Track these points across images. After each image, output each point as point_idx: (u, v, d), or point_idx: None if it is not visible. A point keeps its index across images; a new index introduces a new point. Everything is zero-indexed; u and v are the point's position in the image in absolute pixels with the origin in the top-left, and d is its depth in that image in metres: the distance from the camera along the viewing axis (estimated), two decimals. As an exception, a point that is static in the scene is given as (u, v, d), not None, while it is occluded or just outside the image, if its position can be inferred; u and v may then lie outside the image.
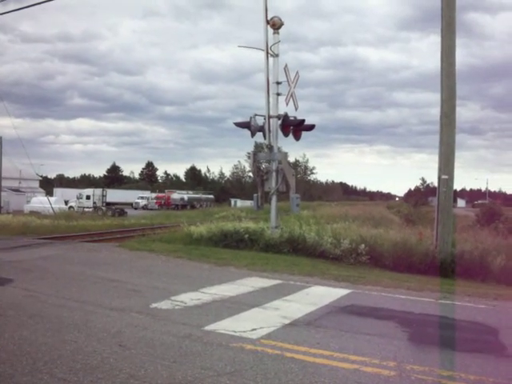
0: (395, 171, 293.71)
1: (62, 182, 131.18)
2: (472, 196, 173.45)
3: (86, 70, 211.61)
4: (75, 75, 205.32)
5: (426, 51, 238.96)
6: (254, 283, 11.57)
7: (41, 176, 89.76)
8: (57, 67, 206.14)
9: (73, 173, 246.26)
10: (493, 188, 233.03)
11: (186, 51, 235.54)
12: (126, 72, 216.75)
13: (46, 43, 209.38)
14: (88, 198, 67.25)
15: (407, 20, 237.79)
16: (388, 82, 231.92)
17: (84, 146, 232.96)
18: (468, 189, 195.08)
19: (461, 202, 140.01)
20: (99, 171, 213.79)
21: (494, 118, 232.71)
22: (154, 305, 8.92)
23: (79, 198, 67.45)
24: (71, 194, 74.60)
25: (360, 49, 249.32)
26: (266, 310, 8.87)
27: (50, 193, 76.77)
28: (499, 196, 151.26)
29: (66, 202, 62.50)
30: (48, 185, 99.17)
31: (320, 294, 10.51)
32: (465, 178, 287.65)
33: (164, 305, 8.96)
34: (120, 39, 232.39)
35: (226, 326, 7.61)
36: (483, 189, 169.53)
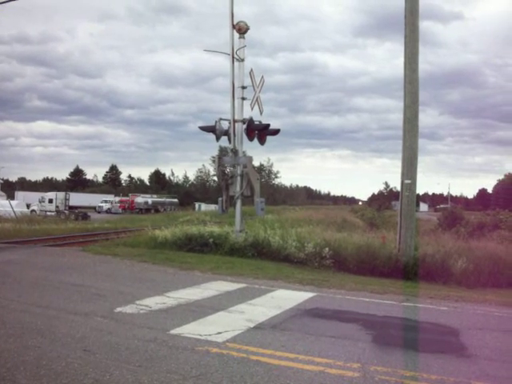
0: (358, 176, 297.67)
1: (24, 185, 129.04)
2: (434, 200, 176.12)
3: (45, 73, 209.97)
4: (34, 77, 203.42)
5: (382, 58, 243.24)
6: (218, 287, 11.57)
7: (2, 179, 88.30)
8: (15, 69, 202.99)
9: (35, 176, 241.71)
10: (454, 192, 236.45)
11: (145, 55, 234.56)
12: (85, 75, 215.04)
13: (2, 44, 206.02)
14: (50, 201, 66.34)
15: (362, 27, 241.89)
16: (347, 87, 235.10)
17: (45, 148, 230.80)
18: (430, 193, 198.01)
19: (423, 206, 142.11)
20: (62, 174, 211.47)
21: (452, 124, 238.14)
22: (118, 309, 8.85)
23: (41, 201, 66.42)
24: (33, 197, 73.46)
25: (318, 55, 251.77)
26: (232, 314, 8.89)
27: (11, 196, 75.34)
28: (461, 200, 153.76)
29: (28, 206, 61.42)
30: (9, 188, 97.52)
31: (285, 298, 10.57)
32: (426, 183, 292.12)
33: (129, 309, 8.90)
34: (78, 42, 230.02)
35: (191, 329, 7.60)
36: (445, 193, 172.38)
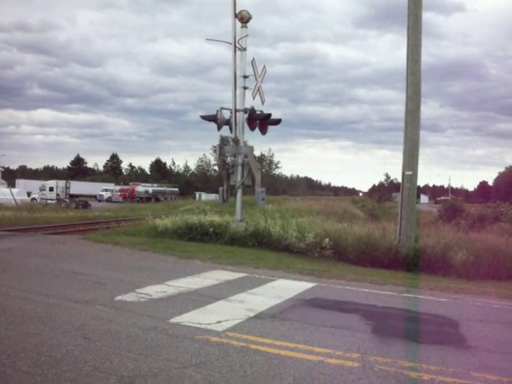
0: (359, 167, 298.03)
1: (25, 173, 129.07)
2: (435, 192, 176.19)
3: (45, 61, 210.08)
4: (34, 65, 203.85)
5: (383, 49, 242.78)
6: (219, 276, 11.58)
7: (2, 167, 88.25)
8: (15, 57, 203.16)
9: (36, 164, 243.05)
10: (455, 184, 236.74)
11: (145, 44, 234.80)
12: (85, 63, 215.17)
13: (2, 32, 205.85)
14: (51, 189, 66.27)
15: (363, 18, 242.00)
16: (348, 78, 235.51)
17: (46, 136, 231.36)
18: (431, 185, 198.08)
19: (424, 198, 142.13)
20: (63, 163, 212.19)
21: (452, 116, 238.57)
22: (118, 297, 8.86)
23: (42, 189, 66.34)
24: (34, 185, 73.40)
25: (319, 45, 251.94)
26: (232, 303, 8.90)
27: (12, 184, 75.31)
28: (461, 192, 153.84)
29: (29, 194, 61.36)
30: (10, 176, 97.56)
31: (285, 288, 10.58)
32: (427, 175, 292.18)
33: (129, 297, 8.91)
34: (78, 30, 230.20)
35: (191, 318, 7.61)
36: (446, 185, 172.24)
